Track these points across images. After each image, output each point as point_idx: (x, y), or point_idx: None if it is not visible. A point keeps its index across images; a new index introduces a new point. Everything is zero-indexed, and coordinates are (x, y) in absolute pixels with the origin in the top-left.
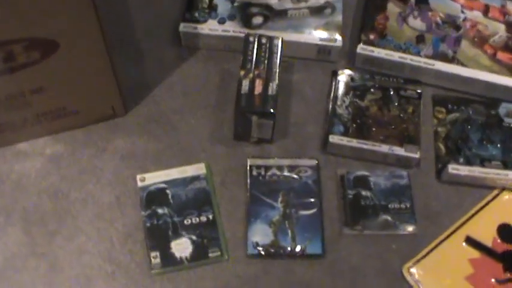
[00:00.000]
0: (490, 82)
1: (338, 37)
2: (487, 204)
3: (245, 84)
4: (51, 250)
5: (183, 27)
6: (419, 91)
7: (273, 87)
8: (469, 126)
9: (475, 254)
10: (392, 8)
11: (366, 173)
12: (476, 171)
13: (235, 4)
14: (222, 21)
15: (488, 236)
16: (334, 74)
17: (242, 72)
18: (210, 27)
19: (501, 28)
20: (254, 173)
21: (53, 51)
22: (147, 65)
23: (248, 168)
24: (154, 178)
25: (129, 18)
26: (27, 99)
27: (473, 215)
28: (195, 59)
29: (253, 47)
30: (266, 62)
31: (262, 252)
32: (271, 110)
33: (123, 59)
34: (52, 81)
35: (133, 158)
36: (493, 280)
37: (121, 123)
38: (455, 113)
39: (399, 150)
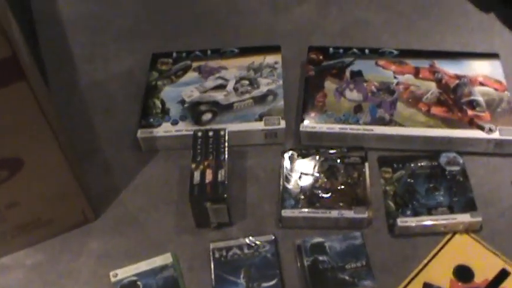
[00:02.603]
0: (428, 136)
1: (281, 120)
2: (440, 249)
3: (197, 175)
4: None
5: (140, 133)
6: (362, 156)
7: (222, 174)
8: (414, 180)
9: None
10: (330, 85)
11: (321, 239)
12: (424, 220)
13: (186, 105)
14: (175, 123)
15: (445, 279)
16: (282, 154)
17: (193, 165)
18: (164, 129)
19: (432, 86)
20: (216, 255)
21: (19, 168)
22: (113, 171)
23: (211, 251)
24: (126, 273)
25: (91, 129)
26: (3, 214)
27: (428, 262)
28: (155, 160)
29: (202, 141)
30: (214, 152)
31: None
32: (223, 195)
33: (89, 167)
34: (23, 196)
35: (107, 257)
36: None
37: (93, 227)
38: (400, 170)
39: (349, 213)
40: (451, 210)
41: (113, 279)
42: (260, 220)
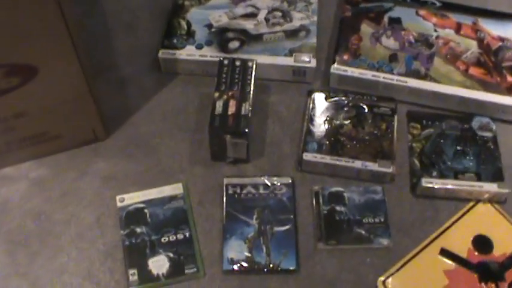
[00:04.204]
0: (463, 97)
1: (312, 59)
2: (462, 216)
3: (219, 105)
4: (33, 270)
5: (162, 53)
6: (392, 108)
7: (246, 107)
8: (443, 141)
9: (450, 265)
10: (366, 29)
11: (341, 189)
12: (449, 183)
13: (213, 30)
14: (199, 47)
15: (463, 247)
16: (309, 94)
17: (216, 94)
18: (188, 52)
19: (473, 44)
20: (230, 191)
21: (32, 76)
22: (128, 90)
23: (224, 187)
24: (133, 199)
25: (110, 44)
26: (11, 124)
27: (448, 228)
28: (174, 84)
29: (227, 70)
30: (240, 83)
31: (237, 268)
32: (244, 129)
33: (104, 85)
34: (33, 106)
35: (114, 180)
36: None
37: (102, 147)
38: (429, 128)
39: (373, 166)
40: (478, 177)
41: (119, 204)
42: (278, 161)
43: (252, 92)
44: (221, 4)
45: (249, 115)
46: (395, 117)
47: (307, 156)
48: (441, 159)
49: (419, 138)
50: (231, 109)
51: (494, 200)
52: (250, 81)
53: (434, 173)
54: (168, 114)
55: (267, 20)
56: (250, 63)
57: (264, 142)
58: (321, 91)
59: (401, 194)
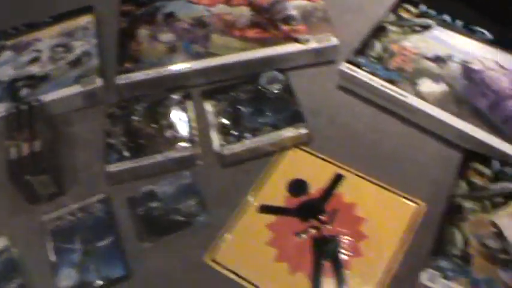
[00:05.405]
0: (245, 60)
1: (98, 79)
2: (272, 169)
3: (13, 151)
4: None
5: None
6: (184, 95)
7: (37, 144)
8: (238, 107)
9: (271, 218)
10: (143, 33)
11: (152, 187)
12: (249, 142)
13: (3, 86)
14: None
15: (280, 197)
16: (105, 112)
17: (8, 142)
18: None
19: (244, 10)
20: (50, 227)
21: None
22: None
23: (44, 225)
24: None
25: None
26: None
27: (262, 184)
28: None
29: (15, 117)
30: (28, 125)
31: None
32: (40, 165)
33: None
34: None
35: None
36: (293, 235)
37: None
38: (223, 101)
39: (174, 154)
40: (276, 127)
41: None
42: (92, 182)
43: (40, 128)
44: (7, 59)
45: (42, 150)
46: (189, 102)
47: (111, 167)
48: (240, 124)
49: (217, 112)
50: (25, 151)
51: (300, 142)
52: (37, 119)
53: (233, 139)
54: None
55: (51, 58)
56: (34, 103)
57: (76, 169)
58: (114, 105)
59: (211, 170)
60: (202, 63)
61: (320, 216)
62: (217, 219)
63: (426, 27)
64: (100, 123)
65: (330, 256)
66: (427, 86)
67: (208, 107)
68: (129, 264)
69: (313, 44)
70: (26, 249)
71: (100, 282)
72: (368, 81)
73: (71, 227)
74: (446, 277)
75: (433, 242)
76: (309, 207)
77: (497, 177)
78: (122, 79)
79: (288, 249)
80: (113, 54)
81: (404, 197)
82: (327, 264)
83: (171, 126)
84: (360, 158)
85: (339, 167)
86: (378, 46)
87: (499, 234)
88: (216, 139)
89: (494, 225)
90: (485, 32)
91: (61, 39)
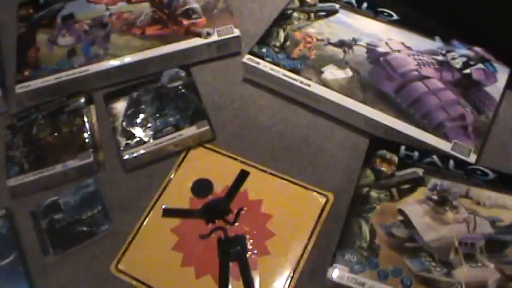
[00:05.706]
0: (144, 59)
1: None
2: (175, 170)
3: None
4: None
5: None
6: (84, 100)
7: None
8: (140, 108)
9: (176, 222)
10: (41, 38)
11: (54, 198)
12: (151, 145)
13: None
14: None
15: (184, 199)
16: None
17: None
18: None
19: (145, 7)
20: None
21: None
22: None
23: None
24: None
25: None
26: None
27: (165, 187)
28: None
29: None
30: None
31: None
32: None
33: None
34: None
35: None
36: (199, 238)
37: None
38: (125, 103)
39: (74, 163)
40: (178, 127)
41: None
42: None
43: None
44: None
45: None
46: (91, 107)
47: (11, 182)
48: (142, 126)
49: (118, 115)
50: None
51: (204, 140)
52: None
53: (134, 143)
54: None
55: None
56: None
57: None
58: (13, 116)
59: (115, 176)
60: (102, 65)
61: (226, 216)
62: (122, 227)
63: (331, 12)
64: (0, 135)
65: (236, 257)
66: (331, 72)
67: (111, 110)
68: (34, 280)
69: (214, 37)
70: None
71: None
72: (270, 71)
73: None
74: (353, 271)
75: (340, 235)
76: (213, 207)
77: (403, 163)
78: (22, 88)
79: (194, 252)
80: (14, 62)
81: (313, 190)
82: (234, 266)
83: (72, 133)
84: (266, 152)
85: (245, 163)
86: (281, 35)
87: (407, 222)
88: (118, 143)
89: (402, 212)
90: (391, 12)
91: None
